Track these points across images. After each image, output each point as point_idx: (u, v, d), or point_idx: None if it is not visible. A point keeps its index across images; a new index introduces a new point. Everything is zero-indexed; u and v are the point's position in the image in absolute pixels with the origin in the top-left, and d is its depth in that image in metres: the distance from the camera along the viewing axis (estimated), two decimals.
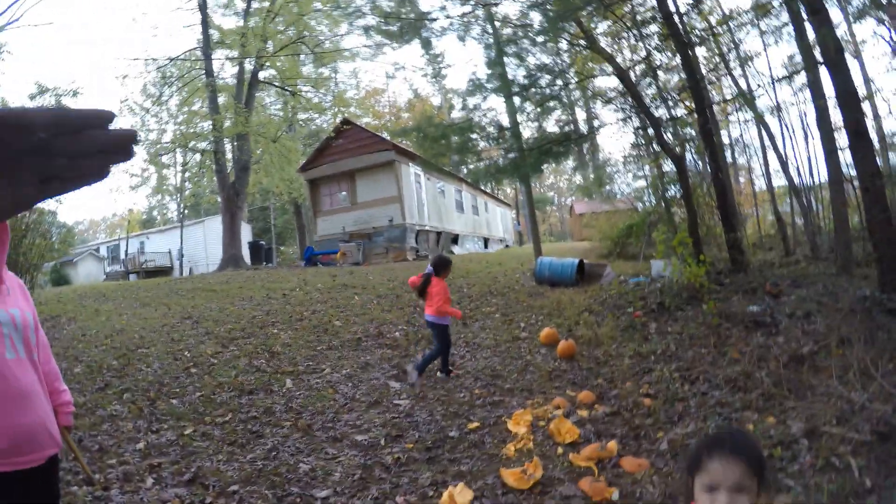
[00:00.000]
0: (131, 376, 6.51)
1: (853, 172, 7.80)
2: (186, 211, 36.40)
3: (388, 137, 24.00)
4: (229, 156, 24.96)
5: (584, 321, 7.75)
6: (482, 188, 31.69)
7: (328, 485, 4.03)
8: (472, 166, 12.61)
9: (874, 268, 6.77)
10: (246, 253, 24.06)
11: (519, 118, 11.07)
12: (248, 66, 23.72)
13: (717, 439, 1.66)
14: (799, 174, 14.16)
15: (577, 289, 10.17)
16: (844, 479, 3.27)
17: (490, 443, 4.58)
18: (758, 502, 1.59)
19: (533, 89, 10.50)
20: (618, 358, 6.15)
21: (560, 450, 4.35)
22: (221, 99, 24.36)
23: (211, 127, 22.93)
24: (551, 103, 10.87)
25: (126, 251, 32.16)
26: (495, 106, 19.03)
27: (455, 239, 27.32)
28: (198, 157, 26.89)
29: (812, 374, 4.72)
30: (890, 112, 22.73)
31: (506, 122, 10.93)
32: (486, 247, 31.32)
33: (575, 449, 4.30)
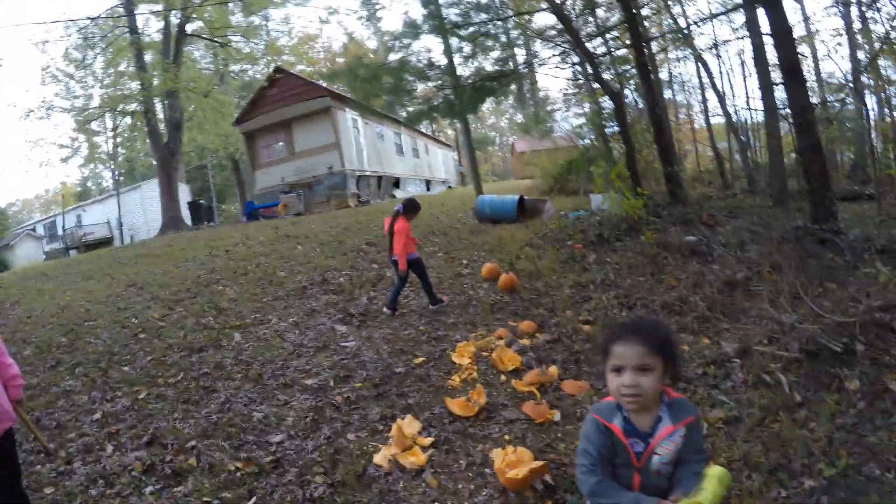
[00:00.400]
0: (81, 350, 6.49)
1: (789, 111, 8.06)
2: (122, 178, 35.04)
3: (324, 84, 23.39)
4: (161, 115, 24.06)
5: (525, 255, 8.02)
6: (422, 131, 31.45)
7: (282, 429, 4.22)
8: (410, 108, 12.53)
9: (807, 201, 7.07)
10: (186, 214, 23.52)
11: (455, 58, 11.04)
12: (175, 19, 22.67)
13: (621, 326, 1.79)
14: (736, 111, 14.66)
15: (519, 225, 10.42)
16: (775, 394, 3.53)
17: (436, 375, 4.84)
18: (662, 382, 1.70)
19: (469, 28, 10.44)
20: (558, 288, 6.43)
21: (503, 377, 4.64)
22: (148, 57, 23.42)
23: (139, 87, 22.03)
24: (488, 42, 10.83)
25: (63, 227, 30.88)
26: (431, 46, 18.79)
27: (396, 182, 27.25)
28: (128, 119, 25.71)
29: (745, 299, 5.01)
30: (828, 53, 23.44)
31: (442, 62, 10.89)
32: (428, 189, 31.34)
33: (517, 376, 4.60)
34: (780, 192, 9.14)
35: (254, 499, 3.43)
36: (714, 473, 1.63)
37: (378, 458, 3.64)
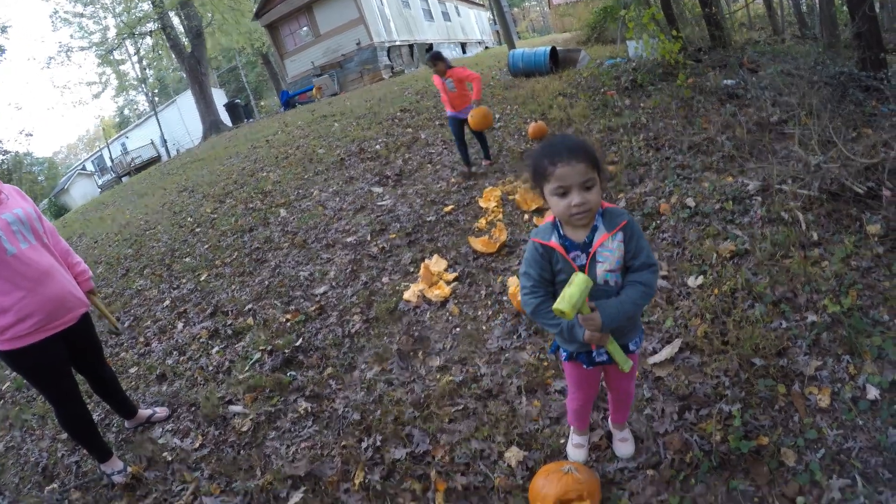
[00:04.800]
0: (145, 255, 7.04)
1: None
2: (156, 98, 35.38)
3: None
4: (180, 28, 23.81)
5: (557, 104, 7.81)
6: None
7: (325, 282, 4.61)
8: None
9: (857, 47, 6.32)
10: (225, 117, 23.81)
11: None
12: None
13: (553, 148, 1.70)
14: None
15: (552, 77, 10.06)
16: (791, 230, 3.44)
17: (464, 220, 5.02)
18: (602, 187, 1.72)
19: None
20: (588, 134, 6.30)
21: (525, 216, 4.76)
22: None
23: (151, 4, 21.66)
24: None
25: (111, 157, 31.91)
26: None
27: (429, 48, 26.40)
28: (148, 40, 25.64)
29: (776, 141, 4.79)
30: None
31: None
32: (464, 52, 30.27)
33: (540, 214, 4.71)
34: (832, 36, 8.34)
35: (300, 340, 3.83)
36: (572, 279, 1.67)
37: (407, 295, 3.95)
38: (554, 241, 1.78)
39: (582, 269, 1.76)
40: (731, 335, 2.78)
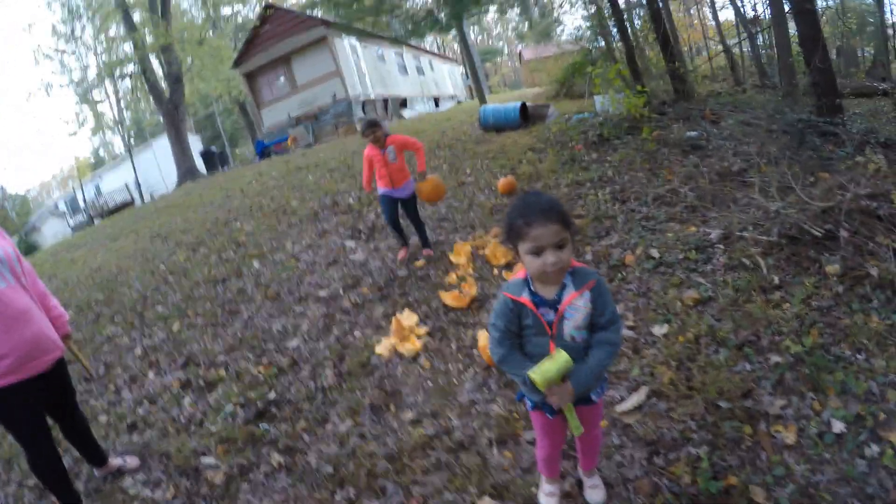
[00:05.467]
0: (117, 301, 7.00)
1: None
2: (132, 140, 35.38)
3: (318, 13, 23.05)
4: (159, 72, 24.07)
5: (527, 159, 8.10)
6: (425, 48, 30.74)
7: (297, 336, 4.69)
8: (401, 24, 12.32)
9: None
10: (201, 164, 23.88)
11: None
12: None
13: (528, 209, 1.78)
14: (743, 3, 13.95)
15: (522, 132, 10.41)
16: (752, 276, 3.63)
17: (434, 275, 5.18)
18: (572, 246, 1.83)
19: None
20: (556, 188, 6.56)
21: (495, 271, 4.94)
22: (136, 16, 23.33)
23: (133, 47, 21.96)
24: None
25: (84, 198, 31.58)
26: None
27: (404, 103, 27.02)
28: (128, 82, 25.88)
29: (737, 189, 5.02)
30: None
31: None
32: (437, 106, 30.97)
33: (509, 268, 4.89)
34: (790, 85, 8.86)
35: (272, 393, 3.90)
36: (556, 355, 1.78)
37: (379, 349, 4.07)
38: (525, 297, 1.89)
39: (550, 325, 1.88)
40: (696, 380, 2.92)
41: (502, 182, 7.02)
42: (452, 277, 4.97)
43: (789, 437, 2.45)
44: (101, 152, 53.29)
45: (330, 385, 3.83)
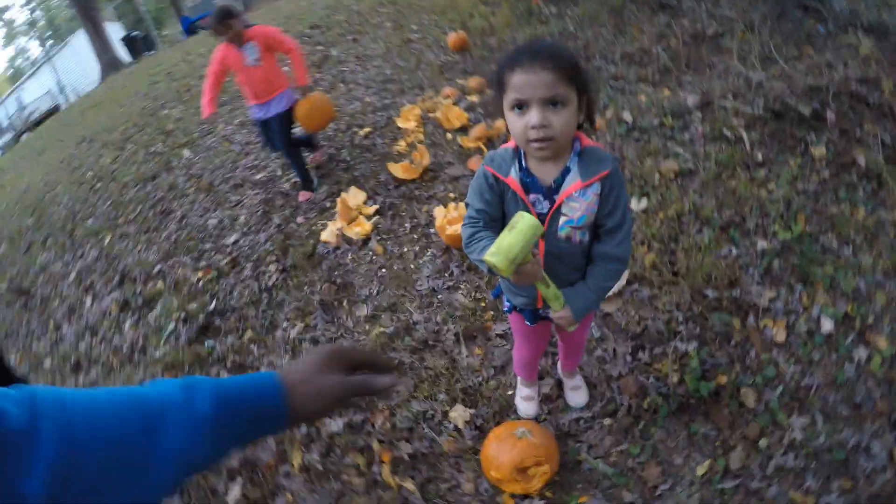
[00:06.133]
0: (47, 223, 6.38)
1: None
2: (51, 42, 32.30)
3: None
4: None
5: (478, 13, 7.24)
6: None
7: (235, 229, 4.18)
8: None
9: None
10: (124, 52, 22.00)
11: None
12: None
13: (518, 50, 1.31)
14: None
15: None
16: (735, 150, 3.26)
17: (381, 144, 4.61)
18: (576, 122, 1.34)
19: None
20: (512, 43, 5.84)
21: (449, 136, 4.38)
22: None
23: None
24: None
25: (8, 115, 29.11)
26: None
27: None
28: None
29: (713, 54, 4.53)
30: None
31: None
32: None
33: (465, 133, 4.32)
34: None
35: (214, 302, 3.48)
36: (517, 222, 1.23)
37: (325, 235, 3.60)
38: (512, 177, 1.39)
39: (541, 217, 1.39)
40: (680, 264, 2.63)
41: (452, 37, 6.31)
42: (401, 145, 4.41)
43: (779, 333, 2.29)
44: (20, 61, 49.10)
45: (274, 283, 3.40)
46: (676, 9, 5.68)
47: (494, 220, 1.47)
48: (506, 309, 1.75)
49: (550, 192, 1.39)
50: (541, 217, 1.40)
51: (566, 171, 1.37)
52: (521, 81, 1.25)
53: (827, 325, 2.26)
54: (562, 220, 1.40)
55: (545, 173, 1.39)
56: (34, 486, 0.52)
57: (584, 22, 5.84)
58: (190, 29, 19.32)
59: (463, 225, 1.49)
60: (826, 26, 4.85)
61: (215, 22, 3.74)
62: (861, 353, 2.16)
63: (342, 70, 6.80)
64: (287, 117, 4.00)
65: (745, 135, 3.38)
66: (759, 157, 3.22)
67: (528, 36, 5.90)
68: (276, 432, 0.74)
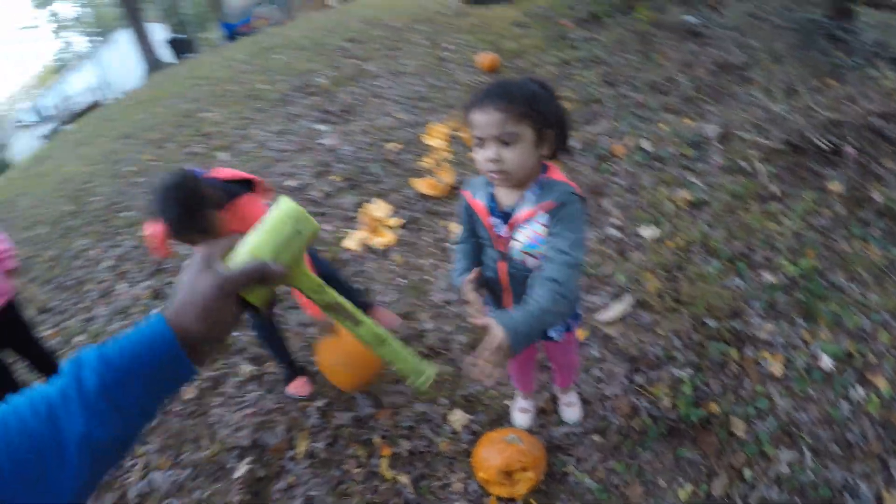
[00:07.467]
0: (85, 211, 6.67)
1: None
2: (97, 38, 33.23)
3: None
4: None
5: (511, 35, 7.47)
6: None
7: None
8: None
9: None
10: (167, 53, 22.61)
11: None
12: None
13: (480, 91, 1.43)
14: None
15: (506, 4, 9.60)
16: (750, 182, 3.31)
17: (409, 159, 4.81)
18: (542, 154, 1.46)
19: None
20: (541, 66, 6.04)
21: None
22: None
23: None
24: None
25: (51, 106, 30.02)
26: None
27: None
28: None
29: (737, 84, 4.58)
30: None
31: None
32: None
33: None
34: None
35: None
36: (274, 212, 0.79)
37: (348, 242, 3.79)
38: (479, 200, 1.56)
39: (504, 240, 1.54)
40: (684, 293, 2.72)
41: (483, 58, 6.52)
42: (428, 162, 4.60)
43: (776, 367, 2.32)
44: (66, 55, 50.67)
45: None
46: (704, 36, 5.79)
47: (475, 238, 1.66)
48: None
49: (507, 217, 1.53)
50: (499, 238, 1.56)
51: (523, 199, 1.49)
52: (477, 120, 1.39)
53: (826, 362, 2.28)
54: (514, 244, 1.53)
55: (508, 199, 1.53)
56: None
57: (612, 47, 5.97)
58: (232, 34, 19.83)
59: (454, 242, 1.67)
60: (851, 58, 4.86)
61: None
62: (859, 392, 2.17)
63: (375, 84, 7.02)
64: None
65: (761, 167, 3.43)
66: (774, 189, 3.25)
67: (556, 59, 6.04)
68: (188, 376, 0.67)
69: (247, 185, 2.39)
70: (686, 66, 5.09)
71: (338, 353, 2.45)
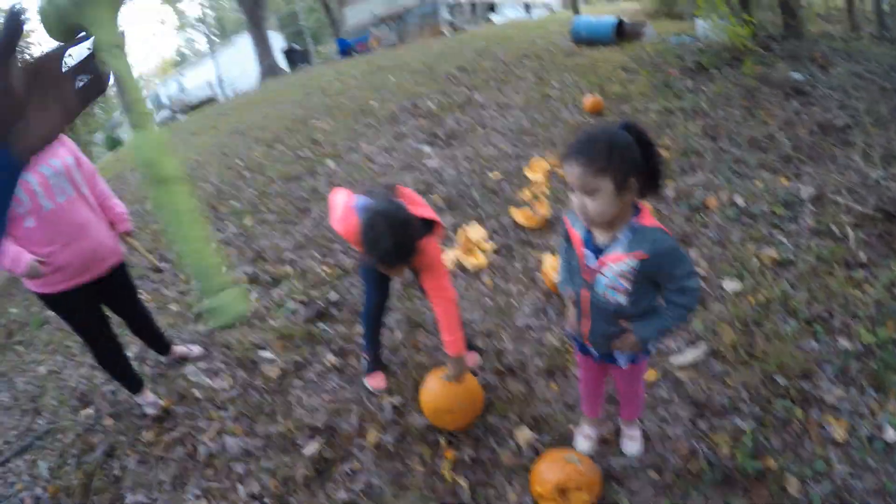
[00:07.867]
0: (193, 195, 7.11)
1: None
2: (216, 37, 35.53)
3: None
4: None
5: (617, 79, 7.55)
6: None
7: None
8: None
9: None
10: (283, 61, 23.85)
11: None
12: None
13: (574, 140, 1.53)
14: None
15: (615, 48, 9.73)
16: (838, 246, 3.29)
17: (508, 189, 4.95)
18: (625, 200, 1.52)
19: None
20: (644, 113, 6.09)
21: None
22: None
23: None
24: None
25: (168, 95, 32.17)
26: None
27: (492, 7, 25.84)
28: None
29: (837, 146, 4.53)
30: None
31: None
32: (528, 12, 29.45)
33: None
34: None
35: (334, 293, 3.92)
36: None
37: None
38: (577, 232, 1.70)
39: (592, 272, 1.67)
40: (758, 348, 2.72)
41: (588, 100, 6.60)
42: (527, 194, 4.74)
43: (839, 432, 2.27)
44: (185, 50, 54.40)
45: (391, 291, 3.78)
46: (809, 95, 5.68)
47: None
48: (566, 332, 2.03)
49: (599, 251, 1.64)
50: (589, 270, 1.68)
51: (615, 240, 1.60)
52: (566, 171, 1.53)
53: (891, 434, 2.24)
54: (601, 278, 1.65)
55: (602, 235, 1.63)
56: None
57: (716, 100, 5.95)
58: (346, 51, 20.71)
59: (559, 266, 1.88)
60: None
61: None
62: None
63: (482, 114, 7.23)
64: None
65: (850, 232, 3.38)
66: (862, 256, 3.20)
67: (660, 107, 6.07)
68: (14, 175, 0.65)
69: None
70: (788, 124, 5.03)
71: (448, 400, 2.47)
